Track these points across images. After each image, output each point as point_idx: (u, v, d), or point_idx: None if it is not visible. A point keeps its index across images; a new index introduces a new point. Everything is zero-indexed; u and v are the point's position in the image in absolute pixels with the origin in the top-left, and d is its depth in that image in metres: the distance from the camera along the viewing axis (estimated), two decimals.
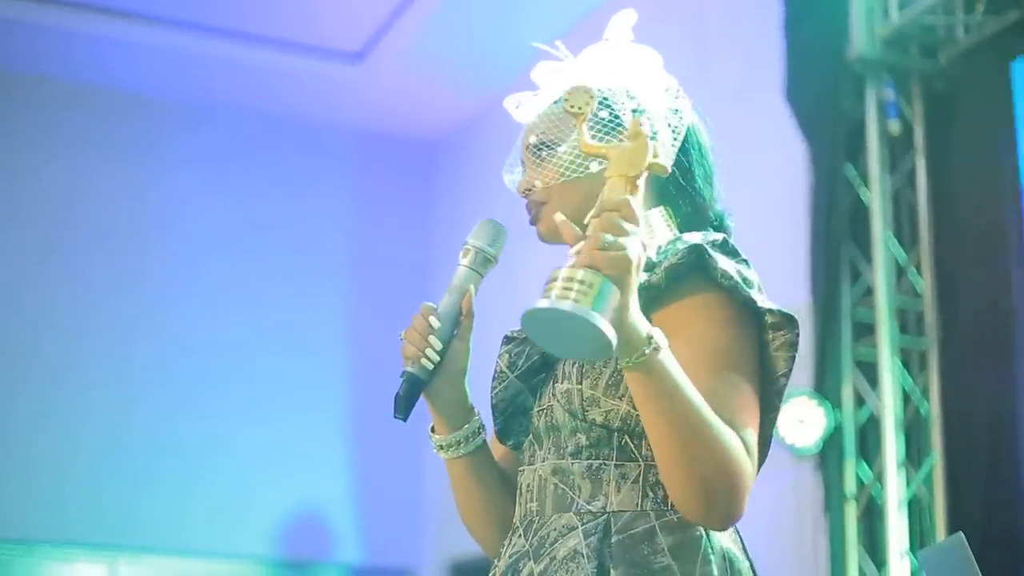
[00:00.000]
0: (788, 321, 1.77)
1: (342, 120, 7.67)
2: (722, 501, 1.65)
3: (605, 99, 1.86)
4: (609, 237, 1.53)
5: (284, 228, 7.50)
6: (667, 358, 1.61)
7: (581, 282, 1.51)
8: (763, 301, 1.76)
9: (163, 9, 6.71)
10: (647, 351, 1.58)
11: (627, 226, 1.55)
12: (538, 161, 1.89)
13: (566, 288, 1.50)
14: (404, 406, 1.86)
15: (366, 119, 7.68)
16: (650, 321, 1.69)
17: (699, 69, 5.46)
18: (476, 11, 6.59)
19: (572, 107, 1.67)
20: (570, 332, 1.51)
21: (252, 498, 7.04)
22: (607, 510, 1.74)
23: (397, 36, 6.84)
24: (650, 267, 1.78)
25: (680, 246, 1.78)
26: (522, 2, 6.41)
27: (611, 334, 1.50)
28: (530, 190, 1.89)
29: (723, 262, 1.75)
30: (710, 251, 1.75)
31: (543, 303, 1.50)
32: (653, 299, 1.75)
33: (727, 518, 1.68)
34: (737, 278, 1.74)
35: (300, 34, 6.96)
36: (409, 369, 1.86)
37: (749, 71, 5.44)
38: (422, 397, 1.88)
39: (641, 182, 1.61)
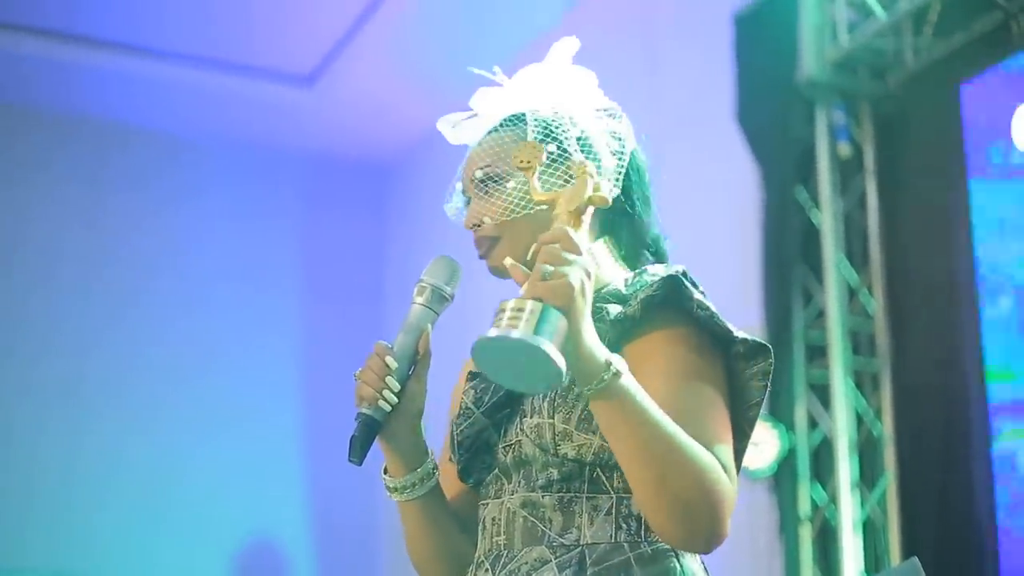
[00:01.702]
0: (761, 350, 1.77)
1: (292, 143, 7.63)
2: (705, 522, 1.62)
3: (550, 128, 1.85)
4: (550, 268, 1.54)
5: (235, 251, 7.44)
6: (629, 383, 1.59)
7: (526, 311, 1.51)
8: (737, 331, 1.76)
9: (109, 32, 6.65)
10: (607, 377, 1.57)
11: (568, 256, 1.55)
12: (485, 195, 1.85)
13: (512, 318, 1.51)
14: (360, 449, 1.79)
15: (316, 143, 7.65)
16: (622, 353, 1.69)
17: (650, 92, 5.47)
18: (426, 35, 6.58)
19: (522, 162, 1.69)
20: (520, 361, 1.51)
21: (206, 527, 6.97)
22: (581, 543, 1.72)
23: (348, 59, 6.82)
24: (622, 299, 1.77)
25: (648, 278, 1.78)
26: (471, 27, 6.40)
27: (560, 361, 1.50)
28: (478, 225, 1.86)
29: (695, 293, 1.75)
30: (684, 282, 1.75)
31: (491, 332, 1.51)
32: (628, 330, 1.74)
33: (711, 539, 1.64)
34: (712, 308, 1.74)
35: (249, 57, 6.92)
36: (365, 411, 1.80)
37: (700, 94, 5.46)
38: (376, 439, 1.83)
39: (585, 217, 1.63)
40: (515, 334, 1.50)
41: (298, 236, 7.69)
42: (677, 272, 1.77)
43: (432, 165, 7.36)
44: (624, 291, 1.79)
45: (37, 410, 6.84)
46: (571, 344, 1.54)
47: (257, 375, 7.31)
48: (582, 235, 1.61)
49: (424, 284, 1.86)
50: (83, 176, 7.24)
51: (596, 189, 1.64)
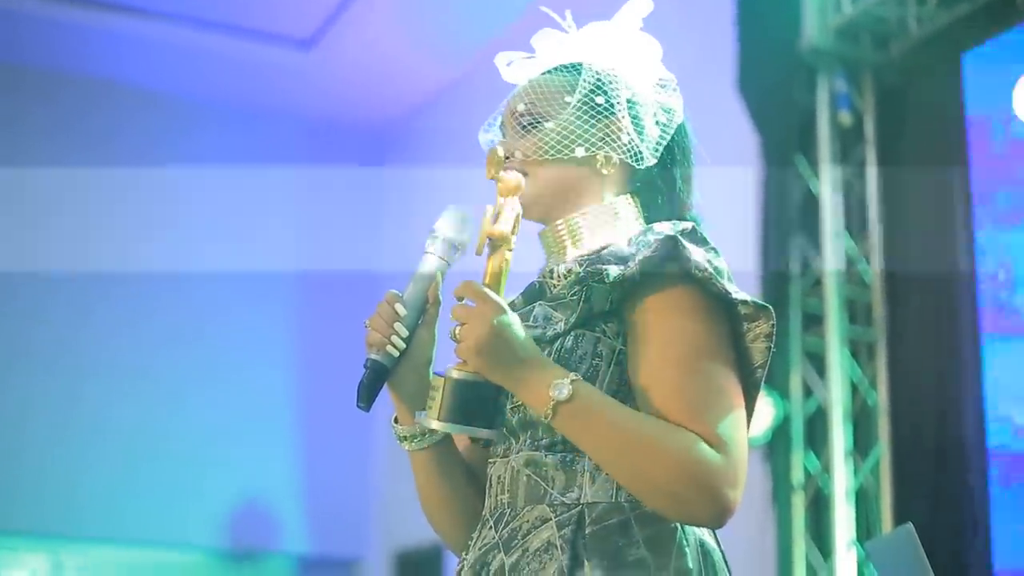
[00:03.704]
0: (763, 312, 1.76)
1: (292, 107, 7.61)
2: (700, 503, 1.65)
3: (602, 83, 1.87)
4: (457, 330, 1.69)
5: (233, 214, 7.42)
6: (580, 397, 1.65)
7: (433, 389, 1.73)
8: (737, 292, 1.75)
9: None
10: (549, 411, 1.66)
11: (469, 309, 1.68)
12: (522, 131, 1.88)
13: (431, 398, 1.73)
14: (368, 395, 1.80)
15: (316, 106, 7.62)
16: (624, 314, 1.72)
17: None
18: None
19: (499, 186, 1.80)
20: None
21: (198, 488, 6.98)
22: (581, 501, 1.72)
23: (347, 23, 6.79)
24: (622, 259, 1.76)
25: (651, 237, 1.77)
26: None
27: (472, 431, 1.71)
28: (508, 158, 1.87)
29: (696, 253, 1.74)
30: (683, 242, 1.73)
31: (421, 419, 1.75)
32: (628, 292, 1.74)
33: (716, 515, 1.67)
34: (711, 269, 1.73)
35: (250, 20, 6.89)
36: (373, 356, 1.81)
37: (701, 60, 5.41)
38: (385, 387, 1.84)
39: (501, 255, 1.75)
40: (428, 423, 1.72)
41: (295, 198, 7.67)
42: (677, 231, 1.76)
43: (430, 129, 7.34)
44: (626, 250, 1.79)
45: (27, 373, 6.83)
46: (511, 383, 1.69)
47: (250, 337, 7.31)
48: (496, 266, 1.74)
49: (436, 234, 1.86)
50: (75, 136, 7.20)
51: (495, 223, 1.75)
